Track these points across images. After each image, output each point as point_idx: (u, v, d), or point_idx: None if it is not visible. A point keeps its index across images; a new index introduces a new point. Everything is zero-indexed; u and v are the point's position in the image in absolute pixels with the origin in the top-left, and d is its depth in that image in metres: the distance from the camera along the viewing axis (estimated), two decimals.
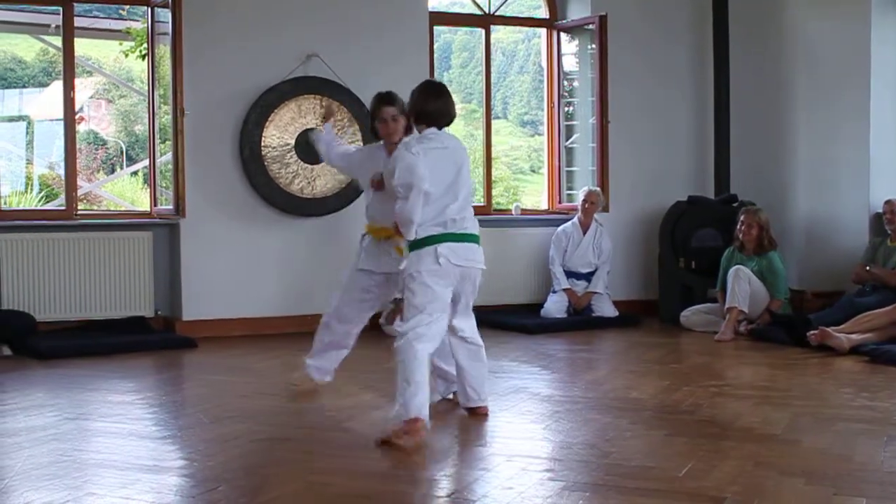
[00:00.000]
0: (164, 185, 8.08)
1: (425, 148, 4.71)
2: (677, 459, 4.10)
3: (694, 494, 3.62)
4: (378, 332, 7.67)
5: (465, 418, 5.02)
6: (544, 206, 9.67)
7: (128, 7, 10.93)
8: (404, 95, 8.55)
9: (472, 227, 4.80)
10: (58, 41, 8.64)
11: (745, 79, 9.17)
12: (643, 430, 4.71)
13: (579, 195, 8.86)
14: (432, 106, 4.83)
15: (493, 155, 9.68)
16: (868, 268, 7.77)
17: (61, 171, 9.40)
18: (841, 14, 8.78)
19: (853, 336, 6.91)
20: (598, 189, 8.82)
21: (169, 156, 7.79)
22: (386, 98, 5.43)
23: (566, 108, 9.51)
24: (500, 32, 18.35)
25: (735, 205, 8.49)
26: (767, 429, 4.67)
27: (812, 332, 7.03)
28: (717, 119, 9.08)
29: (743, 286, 7.74)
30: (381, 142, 5.50)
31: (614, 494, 3.64)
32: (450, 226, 4.68)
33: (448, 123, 4.88)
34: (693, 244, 8.67)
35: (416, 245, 4.67)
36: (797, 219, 8.93)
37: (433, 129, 4.81)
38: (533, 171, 19.96)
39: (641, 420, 4.93)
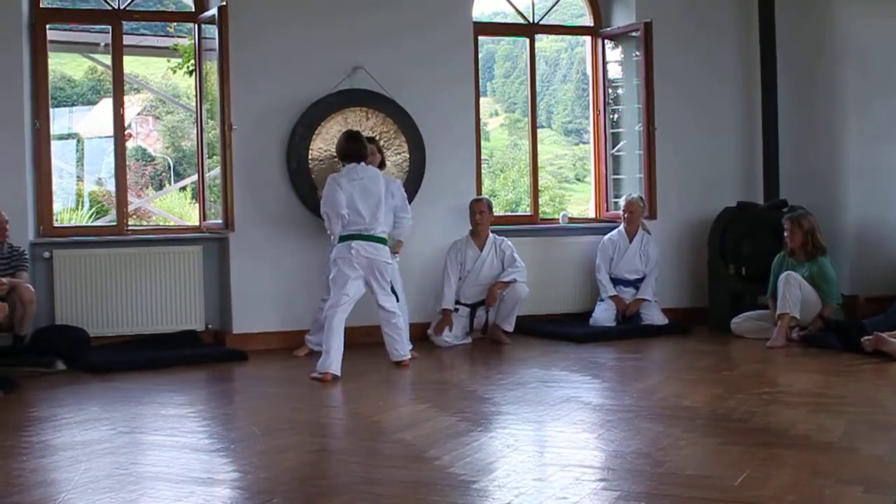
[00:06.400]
0: (213, 199, 8.15)
1: (349, 179, 6.74)
2: (733, 468, 4.05)
3: None
4: (427, 343, 7.70)
5: (516, 428, 5.02)
6: (591, 214, 9.63)
7: (175, 24, 11.06)
8: (449, 104, 8.60)
9: (381, 232, 6.77)
10: (107, 59, 8.77)
11: (794, 82, 9.08)
12: (697, 439, 4.66)
13: (620, 204, 8.82)
14: (350, 148, 6.85)
15: (539, 164, 9.65)
16: None
17: (110, 188, 9.52)
18: (891, 11, 8.66)
19: None
20: (637, 196, 8.75)
21: (217, 170, 7.86)
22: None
23: (612, 116, 9.47)
24: (542, 41, 18.36)
25: (785, 210, 8.38)
26: (823, 436, 4.60)
27: (866, 337, 6.93)
28: (765, 123, 8.99)
29: (794, 292, 7.64)
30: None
31: None
32: (362, 231, 6.68)
33: (360, 160, 6.83)
34: (744, 250, 8.59)
35: (340, 240, 6.72)
36: (849, 223, 8.80)
37: (353, 164, 6.80)
38: (578, 180, 19.93)
39: (695, 428, 4.88)
